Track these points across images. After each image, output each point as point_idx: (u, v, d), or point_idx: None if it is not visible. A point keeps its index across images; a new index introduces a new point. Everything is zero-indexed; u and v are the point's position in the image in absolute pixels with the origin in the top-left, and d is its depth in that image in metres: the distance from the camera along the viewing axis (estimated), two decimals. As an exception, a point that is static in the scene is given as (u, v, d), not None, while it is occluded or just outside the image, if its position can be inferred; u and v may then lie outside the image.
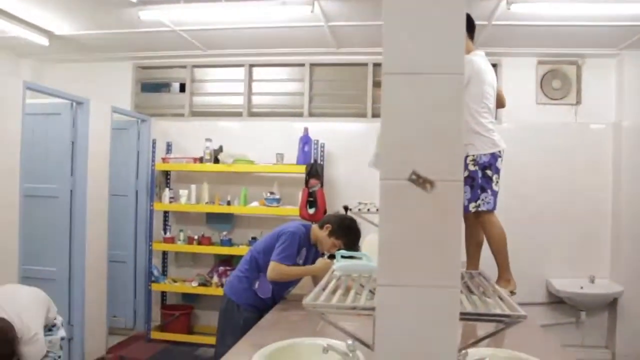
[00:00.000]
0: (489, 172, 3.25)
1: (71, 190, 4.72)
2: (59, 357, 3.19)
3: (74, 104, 4.73)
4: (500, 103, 3.60)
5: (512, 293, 3.19)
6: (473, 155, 3.20)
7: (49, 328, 3.17)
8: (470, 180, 3.19)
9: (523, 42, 5.03)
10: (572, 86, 5.27)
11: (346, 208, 3.83)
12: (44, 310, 3.06)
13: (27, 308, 2.95)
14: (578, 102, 5.28)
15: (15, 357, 2.71)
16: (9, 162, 3.93)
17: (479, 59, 3.34)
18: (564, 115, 5.29)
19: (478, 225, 3.37)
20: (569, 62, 5.30)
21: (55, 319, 3.24)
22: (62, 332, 3.26)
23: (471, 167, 3.20)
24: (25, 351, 2.80)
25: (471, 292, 1.68)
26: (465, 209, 3.16)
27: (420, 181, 1.07)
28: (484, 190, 3.23)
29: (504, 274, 3.25)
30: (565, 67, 5.30)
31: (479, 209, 3.23)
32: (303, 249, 3.30)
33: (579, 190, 5.14)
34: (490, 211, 3.27)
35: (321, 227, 3.30)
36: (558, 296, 5.03)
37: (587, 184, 5.14)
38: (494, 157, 3.25)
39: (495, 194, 3.27)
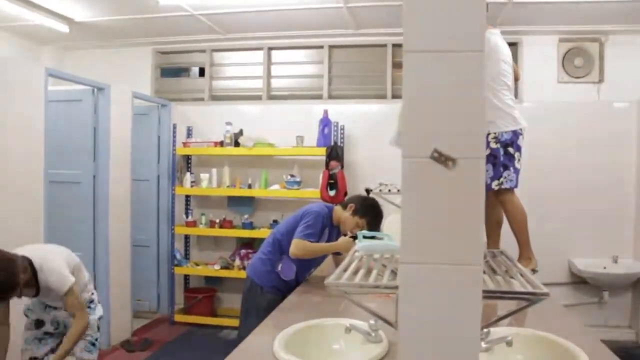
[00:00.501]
0: (510, 150, 3.23)
1: (94, 176, 4.79)
2: (96, 339, 3.23)
3: (95, 90, 4.78)
4: (515, 76, 3.54)
5: (534, 271, 3.17)
6: (494, 133, 3.18)
7: (87, 305, 3.19)
8: (492, 158, 3.18)
9: (544, 19, 4.96)
10: (595, 64, 5.18)
11: (368, 190, 3.82)
12: (66, 258, 3.04)
13: (47, 248, 3.05)
14: (601, 80, 5.19)
15: (19, 290, 2.68)
16: (33, 149, 3.99)
17: (495, 37, 3.31)
18: (587, 94, 5.21)
19: (497, 204, 3.34)
20: (592, 39, 5.20)
21: (92, 294, 3.28)
22: (99, 311, 3.29)
23: (493, 145, 3.19)
24: (51, 281, 2.82)
25: (494, 271, 1.68)
26: (488, 187, 3.16)
27: (442, 159, 1.07)
28: (506, 167, 3.22)
29: (525, 252, 3.25)
30: (587, 45, 5.20)
31: (502, 186, 3.22)
32: (326, 229, 3.31)
33: (602, 169, 5.07)
34: (512, 189, 3.27)
35: (344, 207, 3.32)
36: (581, 276, 5.00)
37: (610, 162, 5.07)
38: (516, 134, 3.24)
39: (517, 171, 3.25)
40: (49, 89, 4.16)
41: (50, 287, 2.84)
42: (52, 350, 3.13)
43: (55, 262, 2.90)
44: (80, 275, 3.11)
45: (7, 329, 2.97)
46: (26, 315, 3.12)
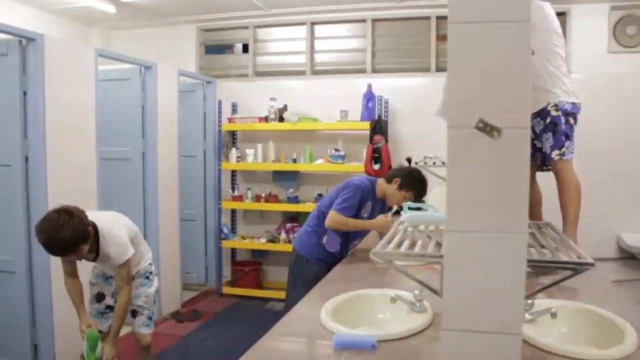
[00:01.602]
0: (571, 120, 3.08)
1: (143, 153, 4.89)
2: (153, 313, 3.35)
3: (143, 68, 4.87)
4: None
5: None
6: (555, 102, 3.03)
7: (146, 276, 3.32)
8: (552, 126, 3.03)
9: (595, -13, 4.81)
10: (650, 32, 5.00)
11: (409, 160, 3.82)
12: (128, 228, 3.17)
13: (111, 217, 3.14)
14: (655, 49, 5.01)
15: (84, 248, 2.80)
16: (85, 127, 4.11)
17: (547, 8, 3.15)
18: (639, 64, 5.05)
19: (535, 184, 3.26)
20: (646, 6, 5.02)
21: (151, 264, 3.39)
22: (156, 283, 3.38)
23: (553, 113, 3.03)
24: (112, 250, 2.94)
25: (539, 242, 1.68)
26: (547, 156, 3.04)
27: (487, 129, 1.08)
28: (568, 137, 3.05)
29: (569, 229, 3.02)
30: (642, 11, 5.02)
31: (564, 157, 3.04)
32: (368, 202, 3.32)
33: (654, 141, 4.93)
34: (570, 160, 3.09)
35: (389, 181, 3.31)
36: (630, 252, 4.89)
37: (663, 135, 4.92)
38: (575, 107, 3.09)
39: (575, 142, 3.10)
40: (98, 69, 4.27)
41: (109, 256, 2.95)
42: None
43: (120, 232, 3.02)
44: (138, 244, 3.22)
45: (79, 281, 3.09)
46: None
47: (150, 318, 3.32)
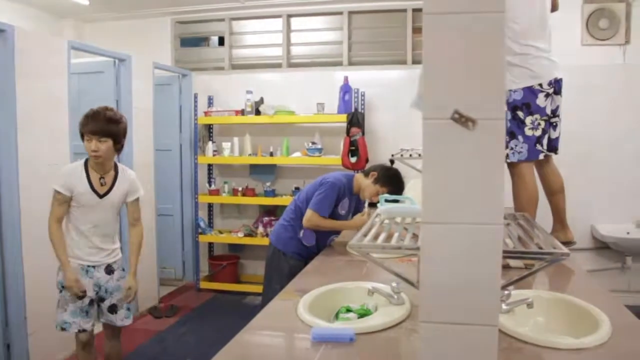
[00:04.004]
0: (520, 114, 2.74)
1: (118, 147, 4.82)
2: (129, 309, 3.35)
3: (117, 61, 4.81)
4: (552, 5, 2.98)
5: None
6: None
7: (122, 268, 3.33)
8: None
9: (568, -20, 4.84)
10: (621, 25, 5.05)
11: (392, 161, 3.82)
12: None
13: None
14: (627, 42, 5.06)
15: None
16: (57, 122, 4.03)
17: None
18: (612, 57, 5.09)
19: (547, 171, 3.03)
20: (618, -1, 5.08)
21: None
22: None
23: None
24: (129, 184, 3.21)
25: (515, 234, 1.69)
26: None
27: (462, 120, 1.08)
28: (513, 136, 2.75)
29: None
30: (613, 5, 5.06)
31: (508, 159, 2.75)
32: (345, 199, 3.32)
33: (626, 133, 4.99)
34: (524, 162, 2.79)
35: (366, 175, 3.32)
36: (603, 241, 4.97)
37: (635, 126, 4.98)
38: (532, 92, 2.73)
39: (529, 140, 2.76)
40: (71, 62, 4.19)
41: (129, 186, 3.19)
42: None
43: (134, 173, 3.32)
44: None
45: (140, 229, 3.36)
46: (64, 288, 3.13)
47: (129, 309, 3.33)
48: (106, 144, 2.99)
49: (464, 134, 1.09)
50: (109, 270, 3.20)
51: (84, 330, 3.09)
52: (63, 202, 3.01)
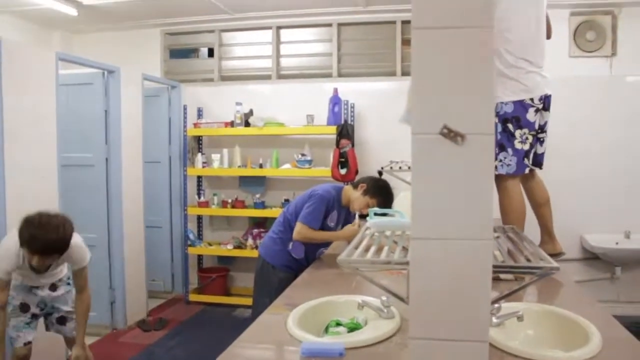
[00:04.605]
0: (510, 127, 2.75)
1: (106, 159, 4.81)
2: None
3: (106, 73, 4.79)
4: (546, 33, 2.98)
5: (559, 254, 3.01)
6: None
7: (67, 282, 3.32)
8: None
9: (555, -7, 4.89)
10: (607, 37, 5.10)
11: (381, 172, 3.82)
12: None
13: None
14: (613, 54, 5.11)
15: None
16: (45, 133, 4.02)
17: None
18: (599, 68, 5.14)
19: (533, 184, 3.03)
20: (604, 12, 5.12)
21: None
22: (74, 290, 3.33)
23: None
24: (75, 251, 2.99)
25: (505, 247, 1.69)
26: None
27: (451, 135, 1.08)
28: (502, 148, 2.75)
29: None
30: (600, 18, 5.12)
31: (496, 171, 2.74)
32: (334, 211, 3.31)
33: (615, 144, 5.03)
34: (511, 176, 2.81)
35: (355, 187, 3.31)
36: (592, 252, 4.99)
37: (623, 137, 5.02)
38: (523, 106, 2.74)
39: (518, 153, 2.77)
40: (60, 73, 4.17)
41: (72, 259, 3.00)
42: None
43: (79, 237, 3.05)
44: None
45: (87, 297, 3.16)
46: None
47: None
48: (52, 258, 2.87)
49: (453, 149, 1.09)
50: (53, 287, 3.22)
51: (29, 342, 3.11)
52: (4, 288, 2.91)
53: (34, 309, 3.20)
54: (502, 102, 2.74)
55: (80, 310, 3.13)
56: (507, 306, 1.91)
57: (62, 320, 3.26)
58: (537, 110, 2.79)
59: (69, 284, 3.30)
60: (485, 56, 1.12)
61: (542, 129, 2.89)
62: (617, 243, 4.91)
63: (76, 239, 2.98)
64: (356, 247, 1.74)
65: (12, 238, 2.87)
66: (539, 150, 2.95)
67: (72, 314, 3.24)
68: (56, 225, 2.75)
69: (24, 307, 3.18)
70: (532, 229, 3.01)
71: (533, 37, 2.81)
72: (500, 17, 2.70)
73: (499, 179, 2.82)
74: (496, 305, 1.80)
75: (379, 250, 1.72)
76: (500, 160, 2.77)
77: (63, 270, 3.22)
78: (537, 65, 2.82)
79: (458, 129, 1.08)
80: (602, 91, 5.06)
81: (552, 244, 3.04)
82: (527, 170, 2.86)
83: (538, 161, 2.98)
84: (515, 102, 2.74)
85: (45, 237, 2.69)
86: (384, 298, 1.97)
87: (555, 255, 2.98)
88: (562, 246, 3.09)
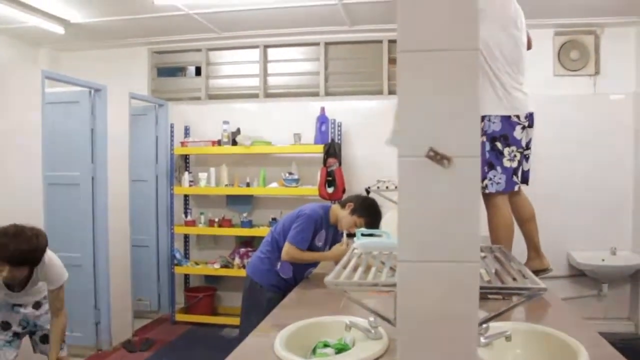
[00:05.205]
0: (499, 145, 2.74)
1: (92, 177, 4.77)
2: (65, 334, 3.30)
3: (92, 91, 4.77)
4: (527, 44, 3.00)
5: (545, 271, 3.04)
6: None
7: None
8: None
9: (539, 13, 4.93)
10: (591, 56, 5.18)
11: (368, 190, 3.82)
12: None
13: None
14: (597, 73, 5.19)
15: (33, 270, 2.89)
16: (31, 151, 4.00)
17: (511, 3, 2.80)
18: (583, 87, 5.21)
19: (518, 200, 3.00)
20: (587, 32, 5.20)
21: None
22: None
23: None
24: (51, 272, 2.96)
25: (492, 268, 1.69)
26: None
27: (437, 158, 1.08)
28: (492, 167, 2.74)
29: None
30: (583, 38, 5.20)
31: (486, 190, 2.75)
32: (322, 231, 3.31)
33: (600, 162, 5.09)
34: (501, 193, 2.79)
35: (342, 206, 3.31)
36: (579, 269, 5.01)
37: (608, 154, 5.08)
38: (510, 124, 2.73)
39: (507, 171, 2.76)
40: (46, 91, 4.16)
41: (48, 278, 2.95)
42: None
43: (56, 256, 3.02)
44: None
45: (63, 320, 3.13)
46: None
47: (63, 340, 3.25)
48: (21, 271, 2.82)
49: (439, 171, 1.09)
50: (37, 305, 3.19)
51: None
52: None
53: (16, 327, 3.16)
54: (489, 120, 2.75)
55: (56, 333, 3.08)
56: (495, 326, 1.90)
57: (45, 339, 3.21)
58: (523, 128, 2.81)
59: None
60: (470, 78, 1.12)
61: (527, 146, 2.92)
62: (603, 260, 4.94)
63: (52, 256, 2.96)
64: (344, 267, 1.74)
65: None
66: (525, 167, 2.98)
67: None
68: (29, 236, 2.73)
69: (4, 325, 3.14)
70: (519, 245, 3.02)
71: (517, 54, 2.84)
72: (484, 36, 2.70)
73: (488, 196, 2.83)
74: (484, 325, 1.80)
75: (367, 269, 1.71)
76: (490, 179, 2.77)
77: (44, 289, 3.17)
78: (519, 82, 2.84)
79: (444, 151, 1.08)
80: (587, 109, 5.14)
81: (539, 260, 3.05)
82: (516, 187, 2.87)
83: (525, 177, 3.01)
84: (502, 120, 2.75)
85: (16, 247, 2.67)
86: (371, 319, 1.96)
87: (542, 270, 2.99)
88: (549, 262, 3.09)
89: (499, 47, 2.75)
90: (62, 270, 3.02)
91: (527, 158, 2.98)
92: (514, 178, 2.81)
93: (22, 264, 2.75)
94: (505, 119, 2.75)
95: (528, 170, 3.02)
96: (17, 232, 2.71)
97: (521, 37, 2.88)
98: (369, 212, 3.25)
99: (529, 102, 2.86)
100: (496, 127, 2.74)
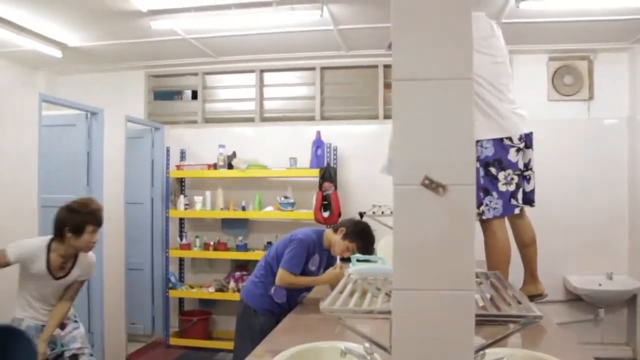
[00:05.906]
0: (492, 170, 2.75)
1: (88, 200, 4.75)
2: (91, 354, 3.34)
3: (89, 114, 4.78)
4: None
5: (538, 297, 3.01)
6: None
7: (75, 320, 3.34)
8: None
9: (533, 39, 5.01)
10: (584, 81, 5.23)
11: (361, 214, 3.82)
12: None
13: None
14: (591, 98, 5.23)
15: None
16: (26, 174, 3.99)
17: (482, 22, 2.81)
18: (577, 112, 5.25)
19: (520, 224, 3.04)
20: (581, 57, 5.25)
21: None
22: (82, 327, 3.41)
23: None
24: (87, 265, 3.24)
25: (488, 295, 1.68)
26: None
27: (433, 186, 1.08)
28: (487, 192, 2.74)
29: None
30: (576, 63, 5.25)
31: (484, 216, 2.75)
32: (315, 255, 3.30)
33: (595, 186, 5.11)
34: (498, 218, 2.79)
35: (335, 230, 3.31)
36: (576, 294, 5.00)
37: (603, 179, 5.11)
38: (503, 147, 2.74)
39: (503, 196, 2.76)
40: (43, 114, 4.17)
41: (83, 266, 3.19)
42: None
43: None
44: None
45: (69, 307, 3.25)
46: None
47: (92, 355, 3.32)
48: (97, 234, 3.11)
49: (434, 199, 1.10)
50: (62, 326, 3.21)
51: None
52: (2, 264, 3.00)
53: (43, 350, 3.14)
54: (481, 146, 2.73)
55: (58, 314, 3.15)
56: (491, 352, 1.89)
57: (74, 359, 3.22)
58: (518, 150, 2.80)
59: (76, 321, 3.32)
60: (465, 107, 1.13)
61: (526, 167, 2.91)
62: (600, 284, 4.92)
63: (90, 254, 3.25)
64: (341, 292, 1.73)
65: (40, 239, 3.12)
66: (527, 188, 2.96)
67: (84, 350, 3.25)
68: (92, 200, 3.22)
69: None
70: (516, 268, 3.02)
71: (506, 77, 2.85)
72: (492, 60, 2.76)
73: (485, 221, 2.81)
74: (480, 352, 1.79)
75: (363, 295, 1.71)
76: (487, 205, 2.76)
77: (75, 286, 3.26)
78: (512, 103, 2.84)
79: (439, 179, 1.09)
80: (581, 134, 5.18)
81: (534, 285, 3.04)
82: (517, 210, 2.86)
83: (528, 199, 2.98)
84: (495, 144, 2.75)
85: (96, 203, 3.14)
86: (367, 345, 1.94)
87: (537, 296, 2.98)
88: (545, 287, 3.09)
89: (498, 77, 2.77)
90: (94, 268, 3.32)
91: (528, 179, 2.96)
92: (512, 202, 2.80)
93: (101, 222, 3.11)
94: (498, 143, 2.75)
95: (532, 191, 3.00)
96: (88, 200, 3.18)
97: (497, 56, 2.86)
98: (361, 237, 3.25)
99: (524, 123, 2.86)
100: (489, 152, 2.74)
